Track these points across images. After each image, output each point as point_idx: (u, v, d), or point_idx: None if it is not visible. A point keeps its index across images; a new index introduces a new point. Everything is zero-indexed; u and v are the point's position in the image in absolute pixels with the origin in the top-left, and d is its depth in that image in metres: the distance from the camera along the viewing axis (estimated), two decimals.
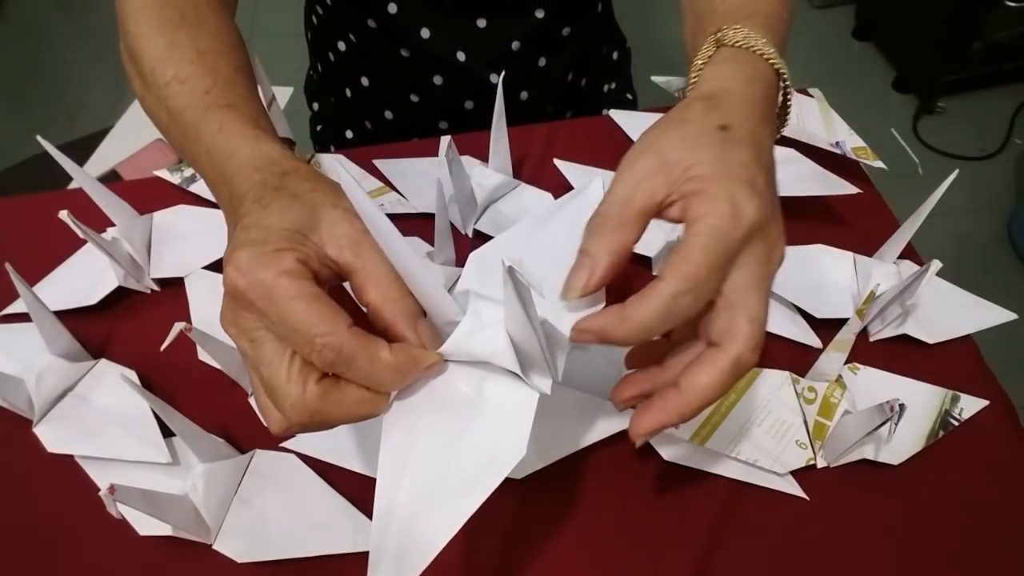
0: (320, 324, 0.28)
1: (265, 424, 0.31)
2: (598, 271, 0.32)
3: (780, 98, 0.39)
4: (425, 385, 0.33)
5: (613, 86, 0.84)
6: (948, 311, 0.52)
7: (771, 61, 0.38)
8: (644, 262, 0.56)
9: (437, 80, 0.72)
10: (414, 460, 0.31)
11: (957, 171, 0.50)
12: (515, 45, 0.70)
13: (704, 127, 0.33)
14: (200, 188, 0.60)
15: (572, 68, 0.76)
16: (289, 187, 0.32)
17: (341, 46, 0.74)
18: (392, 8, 0.66)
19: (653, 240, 0.55)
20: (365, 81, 0.75)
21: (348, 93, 0.78)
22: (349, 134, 0.82)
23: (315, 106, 0.86)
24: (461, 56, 0.69)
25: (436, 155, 0.63)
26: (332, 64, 0.77)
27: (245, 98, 0.39)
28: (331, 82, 0.80)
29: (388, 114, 0.77)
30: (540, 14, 0.69)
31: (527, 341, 0.31)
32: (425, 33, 0.68)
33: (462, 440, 0.32)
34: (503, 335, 0.31)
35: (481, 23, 0.68)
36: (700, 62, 0.39)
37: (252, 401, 0.49)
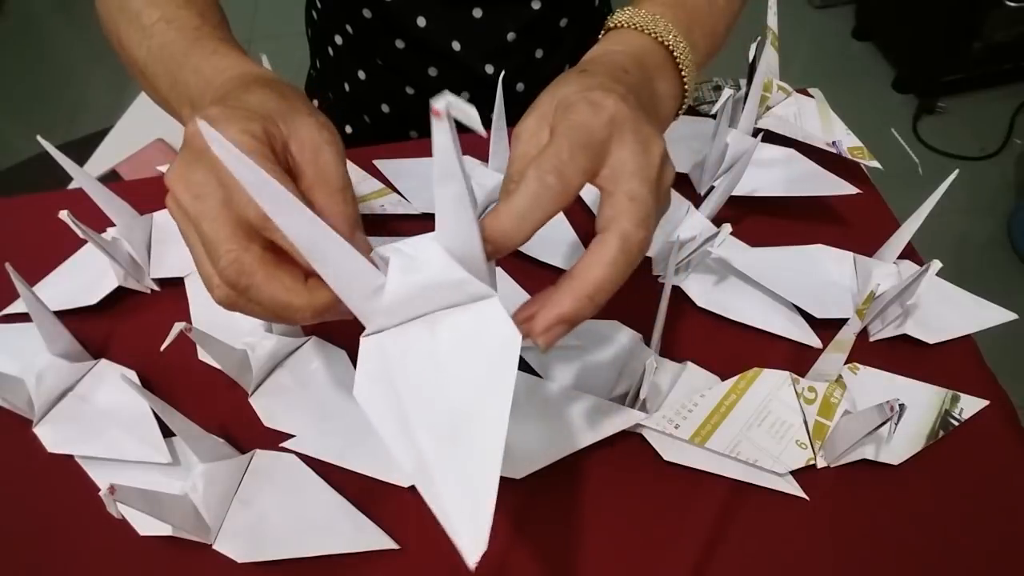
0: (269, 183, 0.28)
1: (208, 293, 0.31)
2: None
3: (674, 71, 0.41)
4: (382, 357, 0.30)
5: None
6: (948, 311, 0.52)
7: (653, 35, 0.40)
8: (645, 262, 0.56)
9: (432, 72, 0.72)
10: (415, 416, 0.29)
11: (957, 171, 0.50)
12: (511, 36, 0.70)
13: (566, 76, 0.36)
14: None
15: (569, 60, 0.76)
16: (276, 87, 0.34)
17: (339, 39, 0.74)
18: None
19: (653, 240, 0.54)
20: (362, 75, 0.75)
21: (346, 87, 0.78)
22: (348, 129, 0.82)
23: (315, 103, 0.86)
24: (456, 46, 0.69)
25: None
26: (331, 59, 0.78)
27: (234, 40, 0.41)
28: (330, 77, 0.81)
29: (385, 107, 0.77)
30: (536, 5, 0.69)
31: (463, 241, 0.29)
32: (421, 22, 0.68)
33: (450, 374, 0.29)
34: (439, 250, 0.30)
35: (477, 13, 0.68)
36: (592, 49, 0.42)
37: (252, 401, 0.49)
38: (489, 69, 0.71)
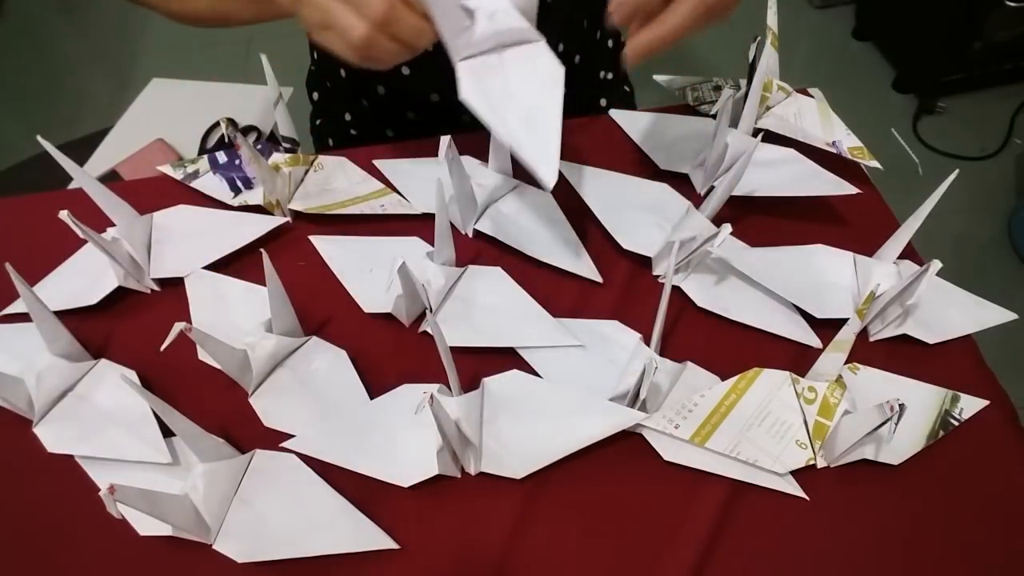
0: None
1: (344, 40, 0.43)
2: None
3: None
4: (472, 74, 0.46)
5: (610, 76, 0.84)
6: (948, 311, 0.52)
7: None
8: (645, 262, 0.56)
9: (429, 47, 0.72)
10: (502, 107, 0.45)
11: (957, 171, 0.50)
12: None
13: None
14: (202, 185, 0.60)
15: (561, 39, 0.75)
16: None
17: None
18: None
19: (653, 241, 0.55)
20: None
21: (343, 73, 0.78)
22: (348, 116, 0.82)
23: (315, 95, 0.87)
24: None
25: (436, 155, 0.63)
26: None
27: None
28: (328, 66, 0.81)
29: (380, 89, 0.77)
30: (561, 48, 0.70)
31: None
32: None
33: (519, 85, 0.46)
34: (510, 7, 0.45)
35: None
36: None
37: (252, 401, 0.49)
38: None
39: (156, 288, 0.56)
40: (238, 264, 0.56)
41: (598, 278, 0.55)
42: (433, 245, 0.53)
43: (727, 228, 0.48)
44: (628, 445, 0.47)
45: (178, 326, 0.41)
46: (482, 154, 0.59)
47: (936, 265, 0.46)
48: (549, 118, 0.45)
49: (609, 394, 0.47)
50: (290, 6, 0.48)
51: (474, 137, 0.63)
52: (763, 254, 0.55)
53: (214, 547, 0.43)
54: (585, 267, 0.55)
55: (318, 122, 0.87)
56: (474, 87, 0.45)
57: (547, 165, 0.44)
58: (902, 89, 1.80)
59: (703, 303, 0.53)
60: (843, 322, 0.46)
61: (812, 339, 0.52)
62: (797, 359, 0.51)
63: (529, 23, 0.46)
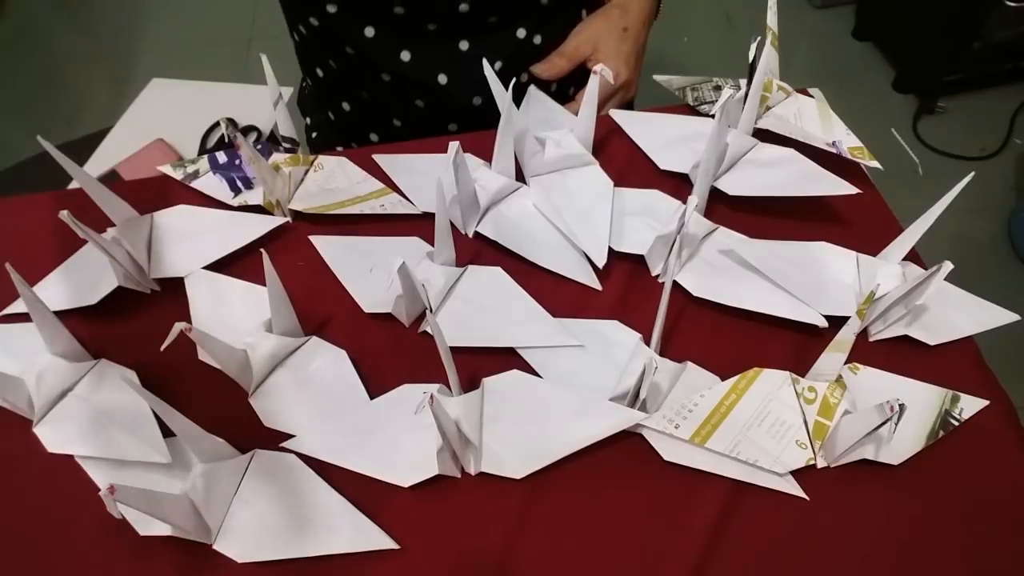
0: None
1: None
2: (555, 69, 0.70)
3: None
4: (541, 187, 0.60)
5: None
6: (950, 312, 0.52)
7: None
8: (644, 262, 0.56)
9: (419, 103, 0.72)
10: (562, 209, 0.58)
11: (973, 174, 0.49)
12: (498, 65, 0.70)
13: (614, 26, 0.70)
14: (202, 185, 0.60)
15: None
16: None
17: (319, 72, 0.74)
18: (369, 32, 0.66)
19: (644, 240, 0.55)
20: (346, 107, 0.75)
21: (332, 116, 0.78)
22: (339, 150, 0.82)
23: (308, 120, 0.87)
24: (443, 79, 0.69)
25: (437, 153, 0.63)
26: (320, 81, 0.78)
27: None
28: (319, 102, 0.81)
29: (373, 136, 0.77)
30: (522, 33, 0.69)
31: (585, 132, 0.60)
32: (405, 56, 0.68)
33: (577, 195, 0.59)
34: (573, 138, 0.60)
35: (463, 46, 0.68)
36: None
37: (252, 401, 0.49)
38: (476, 101, 0.71)
39: (156, 288, 0.56)
40: (238, 264, 0.56)
41: (598, 286, 0.55)
42: (433, 245, 0.53)
43: (693, 200, 0.50)
44: (628, 445, 0.47)
45: (178, 326, 0.41)
46: (486, 153, 0.59)
47: (947, 267, 0.46)
48: (600, 217, 0.56)
49: (609, 394, 0.47)
50: None
51: (478, 136, 0.63)
52: (765, 245, 0.55)
53: (214, 547, 0.43)
54: (585, 274, 0.55)
55: (314, 135, 0.87)
56: (542, 197, 0.58)
57: (597, 251, 0.54)
58: (902, 89, 1.80)
59: (700, 292, 0.53)
60: (844, 320, 0.46)
61: (817, 319, 0.51)
62: (797, 359, 0.51)
63: (586, 150, 0.59)
